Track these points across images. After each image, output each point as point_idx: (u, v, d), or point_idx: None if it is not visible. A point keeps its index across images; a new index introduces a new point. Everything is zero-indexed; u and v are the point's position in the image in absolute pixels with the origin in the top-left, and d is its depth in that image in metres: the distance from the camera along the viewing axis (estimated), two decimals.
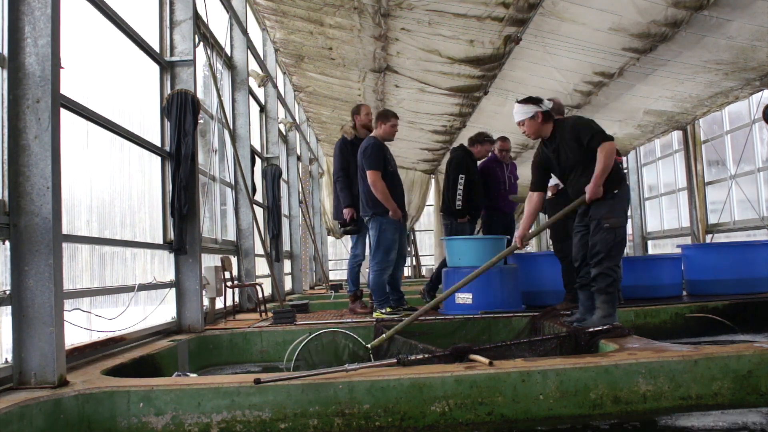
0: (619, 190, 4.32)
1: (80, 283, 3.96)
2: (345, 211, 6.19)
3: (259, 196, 8.91)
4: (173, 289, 5.21)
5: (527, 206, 4.72)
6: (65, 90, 3.49)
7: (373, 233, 5.84)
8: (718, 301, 5.66)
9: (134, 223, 4.89)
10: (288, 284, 11.00)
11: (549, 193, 5.74)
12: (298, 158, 12.77)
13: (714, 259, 6.46)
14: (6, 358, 3.11)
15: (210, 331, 5.25)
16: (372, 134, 5.99)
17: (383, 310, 5.76)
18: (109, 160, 4.55)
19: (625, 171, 12.93)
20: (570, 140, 4.38)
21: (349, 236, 6.93)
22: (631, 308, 5.57)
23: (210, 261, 6.41)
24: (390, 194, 5.71)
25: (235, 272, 7.09)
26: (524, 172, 8.39)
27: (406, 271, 15.70)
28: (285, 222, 10.87)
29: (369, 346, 4.19)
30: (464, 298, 5.80)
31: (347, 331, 4.29)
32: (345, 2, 7.50)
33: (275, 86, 10.03)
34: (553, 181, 5.63)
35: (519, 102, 4.58)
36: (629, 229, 13.38)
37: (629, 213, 12.91)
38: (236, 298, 7.10)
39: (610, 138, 4.30)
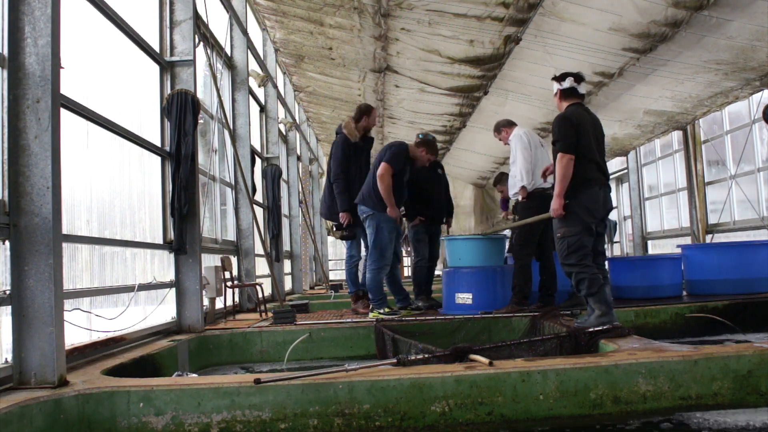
0: (573, 199, 4.28)
1: (80, 283, 3.96)
2: (342, 215, 6.17)
3: (259, 196, 8.91)
4: (173, 289, 5.21)
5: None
6: (65, 90, 3.49)
7: (369, 231, 5.79)
8: (718, 301, 5.66)
9: (134, 223, 4.89)
10: (288, 284, 10.99)
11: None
12: (298, 158, 12.77)
13: (714, 259, 6.45)
14: (6, 358, 3.11)
15: (210, 331, 5.25)
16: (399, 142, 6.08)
17: (381, 311, 5.73)
18: (109, 160, 4.56)
19: (625, 171, 12.92)
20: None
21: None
22: (631, 308, 5.57)
23: (210, 261, 6.41)
24: (393, 193, 5.65)
25: (235, 272, 7.08)
26: None
27: (405, 271, 15.69)
28: (285, 222, 10.87)
29: None
30: (464, 298, 5.80)
31: None
32: (345, 2, 7.50)
33: (275, 86, 10.03)
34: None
35: (552, 79, 4.60)
36: (629, 229, 13.38)
37: (628, 213, 12.96)
38: (236, 298, 7.10)
39: (569, 151, 4.23)
